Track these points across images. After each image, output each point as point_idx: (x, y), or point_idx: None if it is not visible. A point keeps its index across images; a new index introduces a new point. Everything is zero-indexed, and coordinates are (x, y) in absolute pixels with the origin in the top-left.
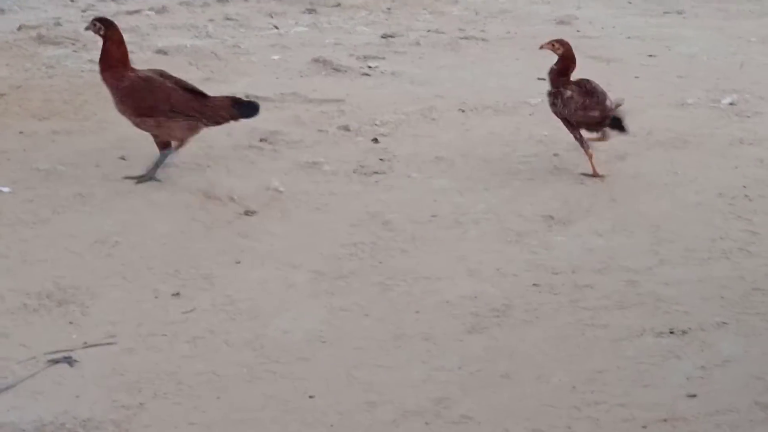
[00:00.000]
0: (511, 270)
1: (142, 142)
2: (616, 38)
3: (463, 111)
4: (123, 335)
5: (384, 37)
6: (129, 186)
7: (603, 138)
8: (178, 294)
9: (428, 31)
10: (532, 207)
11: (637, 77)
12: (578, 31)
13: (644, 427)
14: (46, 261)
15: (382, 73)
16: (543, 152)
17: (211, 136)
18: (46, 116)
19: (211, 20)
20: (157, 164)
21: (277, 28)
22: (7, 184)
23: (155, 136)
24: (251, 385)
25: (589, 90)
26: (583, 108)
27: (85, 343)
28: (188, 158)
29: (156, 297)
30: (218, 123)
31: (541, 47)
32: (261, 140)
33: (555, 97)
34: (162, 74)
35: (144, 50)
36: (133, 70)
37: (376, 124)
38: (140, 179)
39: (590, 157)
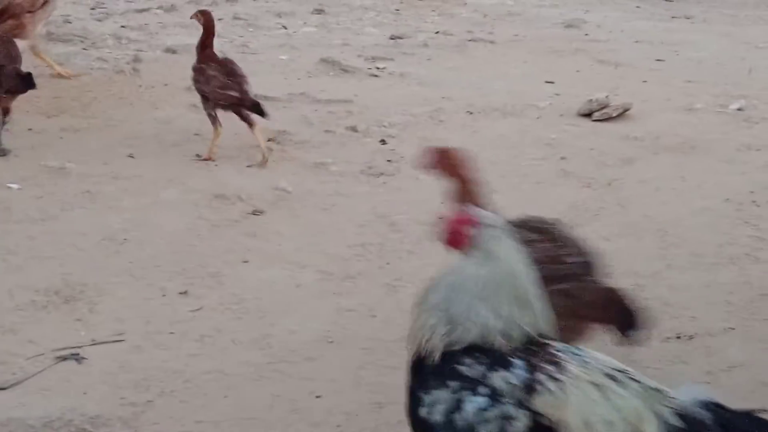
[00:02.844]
0: None
1: (149, 140)
2: (624, 42)
3: (470, 113)
4: (131, 333)
5: (392, 38)
6: (137, 184)
7: (251, 124)
8: (185, 292)
9: (436, 32)
10: (539, 210)
11: (645, 81)
12: (586, 34)
13: None
14: (54, 258)
15: (390, 74)
16: (550, 155)
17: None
18: (54, 114)
19: (219, 20)
20: None
21: (285, 28)
22: (16, 181)
23: None
24: (258, 384)
25: (230, 71)
26: (223, 87)
27: (93, 340)
28: (196, 157)
29: (164, 295)
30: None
31: (191, 18)
32: (269, 140)
33: (199, 73)
34: None
35: (153, 49)
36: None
37: (384, 126)
38: None
39: (216, 136)
